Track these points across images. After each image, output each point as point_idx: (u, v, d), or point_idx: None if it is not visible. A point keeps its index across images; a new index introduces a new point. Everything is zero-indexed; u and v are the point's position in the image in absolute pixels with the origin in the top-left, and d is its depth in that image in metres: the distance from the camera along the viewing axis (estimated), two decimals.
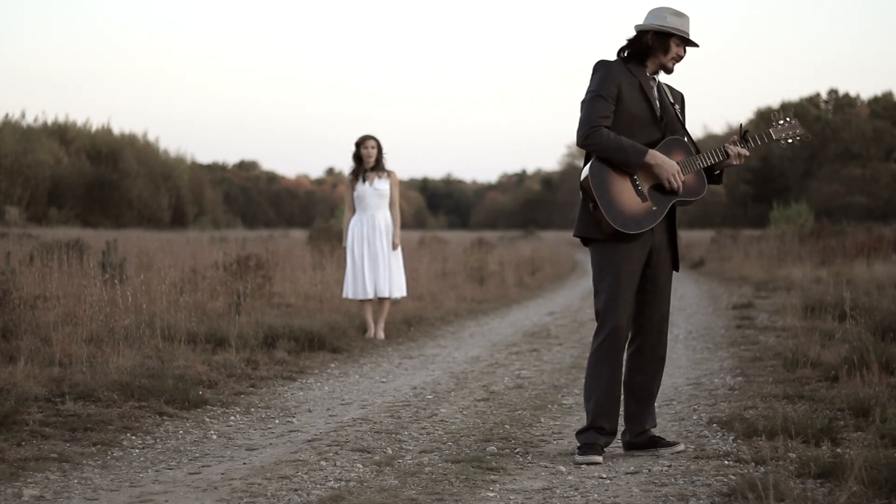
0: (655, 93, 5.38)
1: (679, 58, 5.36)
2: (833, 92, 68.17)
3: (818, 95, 68.39)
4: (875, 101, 66.33)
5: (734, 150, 5.39)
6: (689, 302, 16.02)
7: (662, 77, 5.45)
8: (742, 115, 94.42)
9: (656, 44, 5.32)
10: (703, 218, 63.60)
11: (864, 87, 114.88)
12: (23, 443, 5.41)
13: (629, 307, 5.30)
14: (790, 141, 5.57)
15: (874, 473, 4.35)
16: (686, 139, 5.41)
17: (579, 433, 5.33)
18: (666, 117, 5.38)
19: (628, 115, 5.27)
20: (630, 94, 5.28)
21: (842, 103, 67.54)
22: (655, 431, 5.61)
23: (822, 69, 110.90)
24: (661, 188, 5.28)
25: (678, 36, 5.30)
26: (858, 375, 6.71)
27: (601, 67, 5.30)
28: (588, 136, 5.22)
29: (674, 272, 5.47)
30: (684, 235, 47.43)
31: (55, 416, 6.00)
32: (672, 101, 5.44)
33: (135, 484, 4.78)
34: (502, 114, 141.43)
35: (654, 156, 5.23)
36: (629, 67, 5.33)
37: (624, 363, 5.41)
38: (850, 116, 64.54)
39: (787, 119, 5.59)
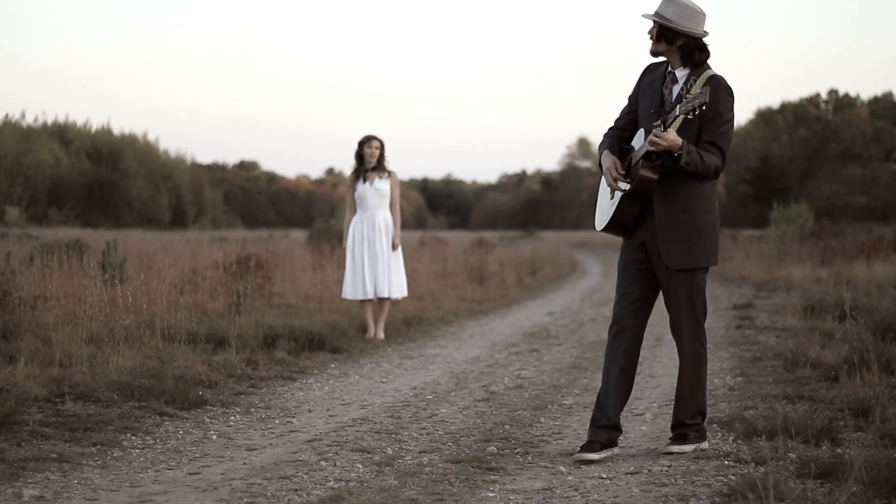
0: (671, 87, 5.27)
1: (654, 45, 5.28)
2: (833, 92, 68.16)
3: (818, 95, 68.39)
4: (875, 101, 66.32)
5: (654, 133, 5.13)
6: None
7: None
8: (742, 115, 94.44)
9: None
10: None
11: (864, 87, 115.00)
12: (23, 443, 5.41)
13: (626, 302, 5.34)
14: (696, 112, 5.07)
15: (874, 473, 4.35)
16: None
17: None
18: (664, 111, 5.25)
19: (641, 112, 5.39)
20: (646, 91, 5.36)
21: (842, 103, 67.52)
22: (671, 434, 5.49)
23: (822, 69, 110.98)
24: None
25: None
26: (858, 375, 6.71)
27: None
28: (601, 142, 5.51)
29: (688, 271, 5.21)
30: None
31: (55, 416, 6.00)
32: (689, 90, 5.16)
33: (135, 484, 4.78)
34: (502, 114, 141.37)
35: (603, 158, 5.39)
36: (661, 65, 5.35)
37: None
38: (850, 116, 64.53)
39: (700, 91, 5.08)
